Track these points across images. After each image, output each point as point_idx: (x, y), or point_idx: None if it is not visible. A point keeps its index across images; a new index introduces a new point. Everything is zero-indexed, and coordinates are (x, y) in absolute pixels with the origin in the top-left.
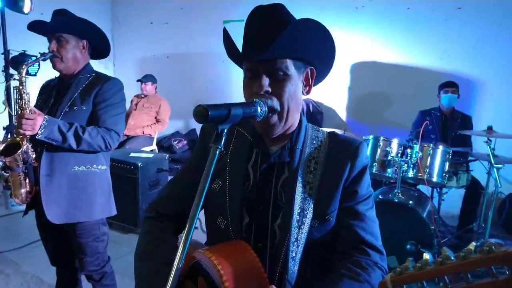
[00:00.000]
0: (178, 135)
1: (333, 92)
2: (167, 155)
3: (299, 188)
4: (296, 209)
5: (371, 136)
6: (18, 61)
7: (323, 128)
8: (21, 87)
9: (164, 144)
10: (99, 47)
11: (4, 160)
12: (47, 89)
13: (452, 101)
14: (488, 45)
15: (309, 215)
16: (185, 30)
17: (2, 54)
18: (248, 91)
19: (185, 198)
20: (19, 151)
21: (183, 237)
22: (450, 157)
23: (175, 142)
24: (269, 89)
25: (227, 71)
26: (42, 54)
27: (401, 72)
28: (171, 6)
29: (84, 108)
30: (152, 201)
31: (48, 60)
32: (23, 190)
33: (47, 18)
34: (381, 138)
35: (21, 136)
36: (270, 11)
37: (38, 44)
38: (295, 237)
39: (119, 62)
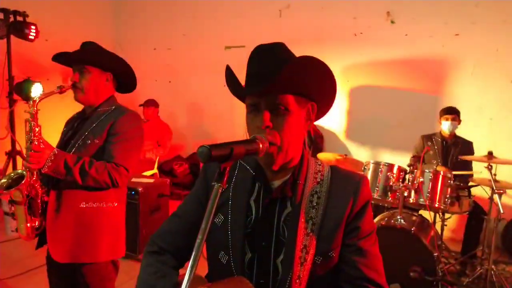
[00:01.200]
0: (180, 159)
1: (333, 116)
2: (168, 180)
3: (301, 224)
4: (299, 245)
5: (372, 161)
6: (22, 87)
7: (325, 156)
8: (31, 120)
9: (165, 168)
10: (125, 80)
11: (8, 192)
12: (72, 121)
13: (452, 128)
14: (486, 71)
15: (312, 251)
16: (187, 55)
17: (7, 80)
18: (251, 126)
19: (187, 232)
20: (22, 182)
21: (186, 275)
22: (452, 182)
23: (177, 166)
24: (271, 124)
25: (228, 95)
26: (59, 87)
27: (400, 97)
28: (174, 32)
29: (97, 141)
30: (153, 234)
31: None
32: (28, 225)
33: (52, 44)
34: (382, 163)
35: (27, 169)
36: (271, 49)
37: (43, 71)
38: (298, 274)
39: None
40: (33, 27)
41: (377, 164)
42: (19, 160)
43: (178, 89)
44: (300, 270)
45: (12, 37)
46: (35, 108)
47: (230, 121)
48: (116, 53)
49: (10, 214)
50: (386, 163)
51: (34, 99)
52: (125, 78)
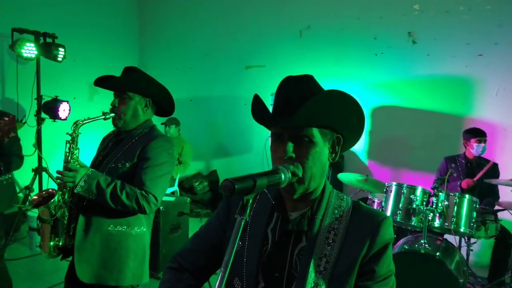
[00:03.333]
0: (200, 176)
1: None
2: (189, 199)
3: (315, 261)
4: (310, 282)
5: (394, 183)
6: (50, 106)
7: (346, 177)
8: (71, 142)
9: (185, 185)
10: (164, 105)
11: (37, 209)
12: (106, 139)
13: (484, 151)
14: (510, 91)
15: None
16: (209, 74)
17: (35, 99)
18: (274, 155)
19: (207, 253)
20: (51, 201)
21: None
22: (477, 206)
23: (196, 183)
24: (293, 155)
25: (248, 114)
26: (104, 114)
27: (422, 117)
28: (195, 52)
29: (128, 165)
30: (176, 252)
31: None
32: (51, 243)
33: (79, 64)
34: (405, 185)
35: (59, 188)
36: (299, 81)
37: (70, 90)
38: None
39: None
40: (61, 48)
41: (399, 186)
42: (44, 176)
43: (199, 107)
44: None
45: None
46: (75, 132)
47: (250, 140)
48: None
49: (35, 230)
50: (409, 185)
51: (78, 122)
52: (164, 103)
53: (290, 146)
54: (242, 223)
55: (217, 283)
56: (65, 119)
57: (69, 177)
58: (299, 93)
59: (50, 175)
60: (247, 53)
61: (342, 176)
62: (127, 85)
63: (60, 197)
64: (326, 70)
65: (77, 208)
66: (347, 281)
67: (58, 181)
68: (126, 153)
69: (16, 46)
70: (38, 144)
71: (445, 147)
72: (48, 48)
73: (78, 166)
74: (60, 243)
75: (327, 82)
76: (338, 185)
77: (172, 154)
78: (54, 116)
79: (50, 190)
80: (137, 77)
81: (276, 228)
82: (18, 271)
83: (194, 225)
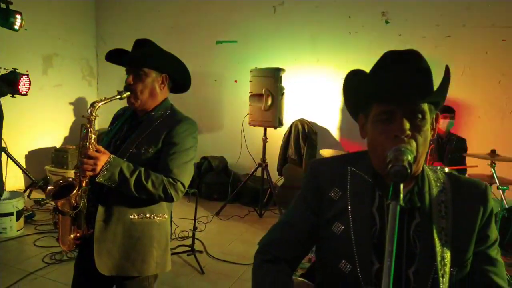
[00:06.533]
0: None
1: (326, 113)
2: None
3: (436, 235)
4: (438, 257)
5: None
6: (9, 80)
7: (327, 153)
8: (88, 126)
9: None
10: (180, 81)
11: (56, 202)
12: (119, 120)
13: (451, 126)
14: (476, 72)
15: (448, 263)
16: (176, 49)
17: None
18: (382, 135)
19: (302, 242)
20: (73, 192)
21: None
22: None
23: None
24: (410, 133)
25: (218, 91)
26: (119, 92)
27: None
28: (160, 25)
29: (151, 151)
30: (263, 242)
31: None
32: (71, 236)
33: (31, 35)
34: None
35: (78, 177)
36: (412, 58)
37: (29, 62)
38: (437, 286)
39: (103, 80)
40: (18, 15)
41: None
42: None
43: None
44: (442, 282)
45: None
46: (92, 115)
47: (221, 116)
48: (98, 45)
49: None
50: None
51: (95, 104)
52: (181, 79)
53: (407, 124)
54: (398, 208)
55: (385, 274)
56: (25, 94)
57: (89, 165)
58: (418, 70)
59: (9, 156)
60: (218, 28)
61: (324, 153)
62: (144, 60)
63: (80, 186)
64: (300, 47)
65: (96, 197)
66: (468, 250)
67: (77, 169)
68: (148, 137)
69: None
70: None
71: None
72: (4, 14)
73: (98, 152)
74: (78, 234)
75: (301, 59)
76: None
77: (196, 138)
78: (14, 91)
79: (69, 179)
80: (152, 50)
81: (381, 208)
82: None
83: (178, 204)
